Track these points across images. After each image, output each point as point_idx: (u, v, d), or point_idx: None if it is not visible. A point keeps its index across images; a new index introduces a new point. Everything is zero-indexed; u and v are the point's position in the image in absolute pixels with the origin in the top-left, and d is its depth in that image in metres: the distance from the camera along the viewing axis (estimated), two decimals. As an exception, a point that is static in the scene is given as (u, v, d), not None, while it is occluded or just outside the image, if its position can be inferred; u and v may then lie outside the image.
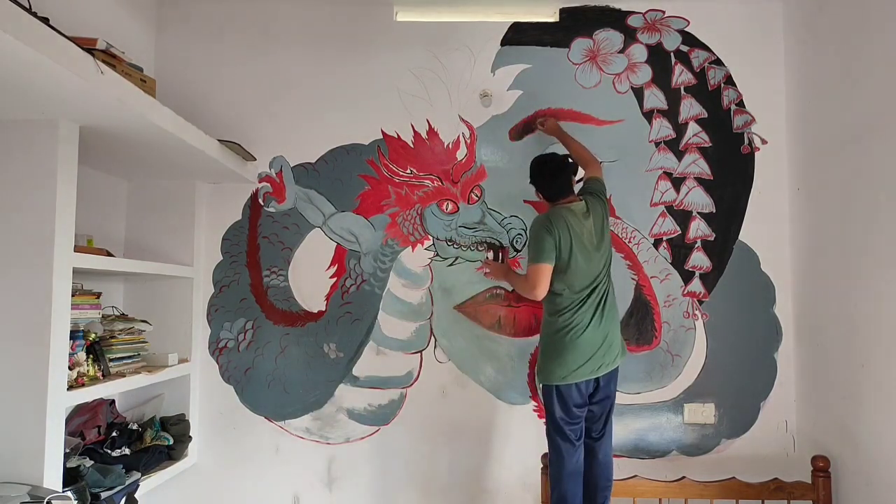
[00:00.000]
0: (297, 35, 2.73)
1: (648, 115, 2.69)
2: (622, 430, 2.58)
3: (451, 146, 2.69)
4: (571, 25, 2.71)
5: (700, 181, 2.67)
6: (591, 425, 2.22)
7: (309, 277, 2.67)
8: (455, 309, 2.65)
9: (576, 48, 2.71)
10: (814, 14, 2.46)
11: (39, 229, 1.70)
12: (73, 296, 1.81)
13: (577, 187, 2.36)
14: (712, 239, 2.65)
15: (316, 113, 2.70)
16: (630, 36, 2.71)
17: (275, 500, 2.62)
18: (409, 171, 2.69)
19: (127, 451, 2.17)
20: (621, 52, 2.71)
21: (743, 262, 2.64)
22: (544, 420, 2.25)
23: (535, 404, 2.61)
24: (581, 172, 2.43)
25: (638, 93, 2.70)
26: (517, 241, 2.65)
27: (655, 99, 2.69)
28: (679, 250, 2.65)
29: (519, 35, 2.71)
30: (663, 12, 2.71)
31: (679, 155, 2.68)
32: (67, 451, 1.89)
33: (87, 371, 1.93)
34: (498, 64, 2.71)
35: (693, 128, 2.68)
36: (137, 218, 2.58)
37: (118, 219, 2.55)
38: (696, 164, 2.67)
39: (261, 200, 2.70)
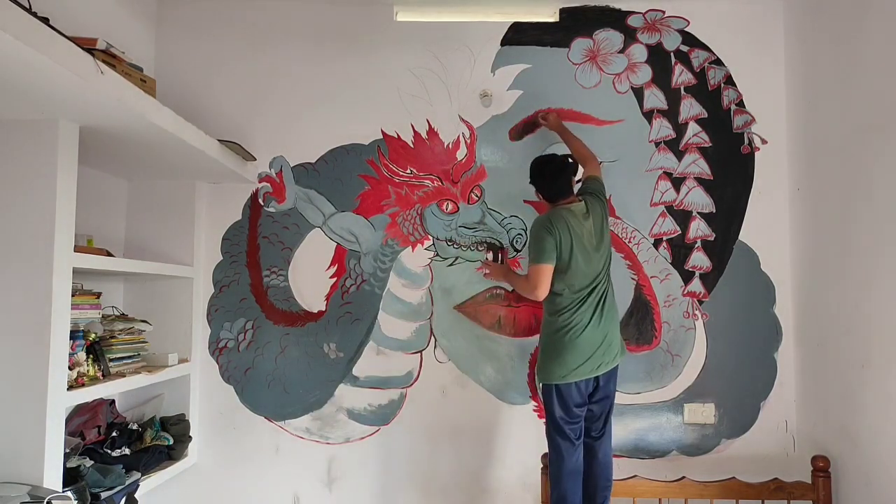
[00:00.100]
0: (297, 35, 2.73)
1: (648, 115, 2.69)
2: (622, 430, 2.58)
3: (451, 146, 2.69)
4: (571, 25, 2.71)
5: (700, 181, 2.67)
6: (591, 425, 2.23)
7: (309, 277, 2.67)
8: (455, 309, 2.65)
9: (576, 48, 2.71)
10: (814, 14, 2.46)
11: (39, 229, 1.70)
12: (73, 296, 1.81)
13: (576, 187, 2.36)
14: (712, 239, 2.65)
15: (316, 113, 2.70)
16: (630, 36, 2.71)
17: (275, 500, 2.62)
18: (409, 171, 2.69)
19: (127, 451, 2.17)
20: (621, 52, 2.71)
21: (743, 262, 2.64)
22: (544, 420, 2.25)
23: (535, 404, 2.61)
24: (580, 172, 2.43)
25: (638, 93, 2.70)
26: (517, 242, 2.65)
27: (655, 99, 2.69)
28: (679, 250, 2.65)
29: (519, 35, 2.71)
30: (663, 12, 2.71)
31: (679, 155, 2.68)
32: (67, 451, 1.89)
33: (87, 371, 1.93)
34: (498, 64, 2.71)
35: (693, 128, 2.68)
36: (137, 218, 2.58)
37: (118, 219, 2.55)
38: (696, 164, 2.67)
39: (261, 200, 2.70)
